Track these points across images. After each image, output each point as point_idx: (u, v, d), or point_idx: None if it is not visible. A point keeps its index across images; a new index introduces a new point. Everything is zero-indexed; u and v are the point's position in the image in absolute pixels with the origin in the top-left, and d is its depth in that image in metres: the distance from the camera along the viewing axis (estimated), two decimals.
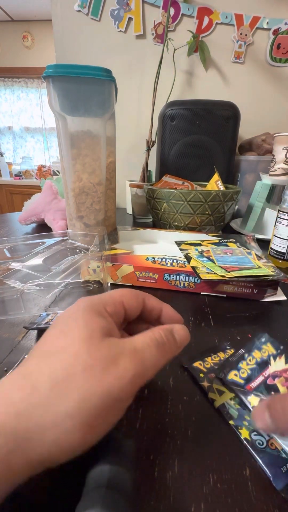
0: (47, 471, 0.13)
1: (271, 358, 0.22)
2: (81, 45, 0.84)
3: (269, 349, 0.23)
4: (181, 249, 0.43)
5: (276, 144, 0.60)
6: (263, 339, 0.23)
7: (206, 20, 0.79)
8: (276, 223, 0.46)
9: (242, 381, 0.21)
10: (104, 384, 0.14)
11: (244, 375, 0.22)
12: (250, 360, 0.22)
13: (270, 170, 0.62)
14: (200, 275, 0.34)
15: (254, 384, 0.21)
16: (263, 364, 0.22)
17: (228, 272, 0.35)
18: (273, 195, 0.60)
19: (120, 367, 0.14)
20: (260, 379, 0.21)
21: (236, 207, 0.68)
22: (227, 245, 0.45)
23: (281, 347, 0.22)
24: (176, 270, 0.37)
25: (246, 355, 0.23)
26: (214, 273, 0.35)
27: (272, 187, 0.60)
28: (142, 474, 0.16)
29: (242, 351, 0.23)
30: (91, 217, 0.51)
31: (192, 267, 0.36)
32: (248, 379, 0.21)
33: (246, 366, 0.22)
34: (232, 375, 0.22)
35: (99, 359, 0.14)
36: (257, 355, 0.23)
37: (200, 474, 0.16)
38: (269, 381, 0.21)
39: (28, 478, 0.12)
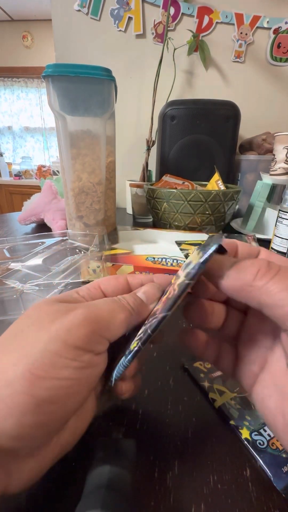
0: (47, 471, 0.13)
1: None
2: (81, 45, 0.84)
3: None
4: (181, 249, 0.43)
5: (277, 143, 0.60)
6: None
7: (206, 20, 0.78)
8: (277, 223, 0.46)
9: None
10: (51, 330, 0.13)
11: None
12: None
13: (271, 169, 0.62)
14: None
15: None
16: None
17: None
18: (274, 195, 0.60)
19: (70, 314, 0.14)
20: None
21: (237, 206, 0.68)
22: None
23: None
24: (176, 270, 0.37)
25: None
26: None
27: (272, 187, 0.60)
28: (142, 475, 0.16)
29: None
30: (91, 217, 0.50)
31: None
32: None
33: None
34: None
35: (48, 313, 0.14)
36: None
37: (201, 474, 0.16)
38: None
39: None
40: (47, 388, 0.12)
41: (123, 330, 0.16)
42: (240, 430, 0.19)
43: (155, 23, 0.80)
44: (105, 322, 0.14)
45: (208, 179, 0.67)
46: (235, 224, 0.68)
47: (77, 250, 0.43)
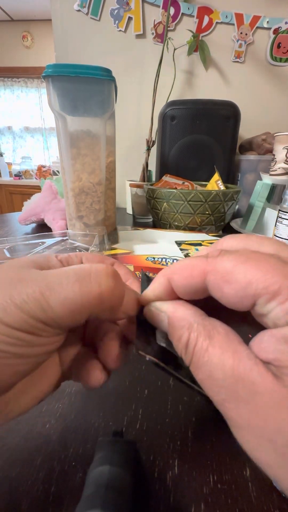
0: (46, 471, 0.13)
1: None
2: (81, 45, 0.84)
3: None
4: (181, 249, 0.43)
5: (277, 143, 0.60)
6: None
7: (206, 20, 0.78)
8: (277, 223, 0.46)
9: None
10: None
11: None
12: None
13: (271, 169, 0.62)
14: None
15: None
16: None
17: None
18: (274, 195, 0.60)
19: (17, 286, 0.12)
20: None
21: (237, 206, 0.68)
22: None
23: None
24: None
25: None
26: None
27: (272, 187, 0.60)
28: (142, 475, 0.16)
29: None
30: (91, 217, 0.50)
31: None
32: None
33: None
34: None
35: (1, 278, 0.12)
36: None
37: (200, 474, 0.16)
38: None
39: None
40: None
41: (81, 319, 0.12)
42: None
43: (155, 23, 0.80)
44: (52, 310, 0.11)
45: (208, 179, 0.67)
46: (235, 224, 0.68)
47: (77, 250, 0.43)
